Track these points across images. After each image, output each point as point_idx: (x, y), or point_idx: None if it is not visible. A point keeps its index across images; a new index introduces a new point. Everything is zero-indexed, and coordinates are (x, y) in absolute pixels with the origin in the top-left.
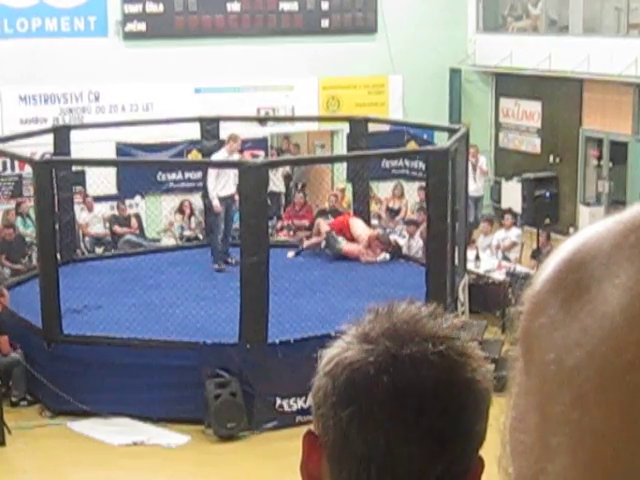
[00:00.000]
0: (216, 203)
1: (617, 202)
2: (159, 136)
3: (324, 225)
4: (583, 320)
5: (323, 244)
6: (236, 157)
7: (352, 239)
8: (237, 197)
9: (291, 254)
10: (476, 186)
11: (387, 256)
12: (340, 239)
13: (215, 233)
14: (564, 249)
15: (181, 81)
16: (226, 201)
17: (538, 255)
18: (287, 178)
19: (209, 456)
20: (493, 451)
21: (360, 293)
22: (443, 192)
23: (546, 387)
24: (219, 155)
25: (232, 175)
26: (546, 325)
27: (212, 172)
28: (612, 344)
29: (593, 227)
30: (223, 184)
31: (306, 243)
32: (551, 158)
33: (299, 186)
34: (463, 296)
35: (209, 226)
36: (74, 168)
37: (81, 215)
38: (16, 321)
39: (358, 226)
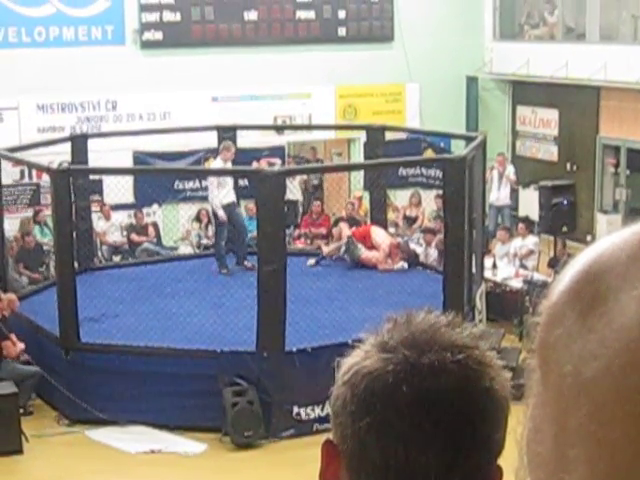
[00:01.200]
0: (221, 213)
1: (634, 210)
2: (176, 145)
3: (346, 229)
4: (600, 332)
5: (342, 249)
6: (229, 166)
7: (371, 248)
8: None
9: (312, 261)
10: (499, 194)
11: (405, 265)
12: (360, 246)
13: (218, 240)
14: (580, 260)
15: (198, 89)
16: (228, 208)
17: (555, 263)
18: (307, 187)
19: (226, 464)
20: (512, 460)
21: (377, 301)
22: (460, 200)
23: (563, 399)
24: (215, 165)
25: (231, 182)
26: (563, 337)
27: (213, 182)
28: (629, 356)
29: (609, 238)
30: (225, 193)
31: (326, 250)
32: (568, 166)
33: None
34: (480, 304)
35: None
36: (91, 177)
37: (98, 223)
38: (33, 329)
39: (379, 234)
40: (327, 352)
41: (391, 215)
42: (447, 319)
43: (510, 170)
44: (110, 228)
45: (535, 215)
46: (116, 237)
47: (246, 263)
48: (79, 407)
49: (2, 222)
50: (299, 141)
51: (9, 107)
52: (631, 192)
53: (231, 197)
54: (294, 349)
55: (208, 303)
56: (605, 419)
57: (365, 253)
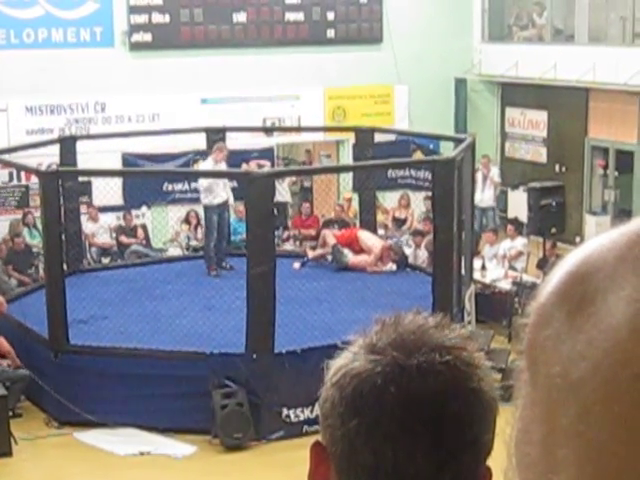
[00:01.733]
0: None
1: (623, 211)
2: (165, 147)
3: (330, 237)
4: (588, 332)
5: (330, 258)
6: (223, 167)
7: (360, 251)
8: (231, 202)
9: (297, 265)
10: (482, 196)
11: (394, 266)
12: (346, 252)
13: (207, 240)
14: (569, 261)
15: (187, 91)
16: (219, 208)
17: (544, 264)
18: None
19: (216, 466)
20: (501, 461)
21: (367, 303)
22: (449, 202)
23: (552, 399)
24: (206, 164)
25: (221, 183)
26: (551, 337)
27: (203, 183)
28: (617, 356)
29: (598, 239)
30: (215, 193)
31: (311, 254)
32: (557, 167)
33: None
34: (469, 305)
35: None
36: (80, 178)
37: (87, 225)
38: (22, 331)
39: (368, 238)
40: (316, 354)
41: (380, 217)
42: (435, 320)
43: (494, 172)
44: (99, 230)
45: (524, 216)
46: (105, 239)
47: (224, 264)
48: (68, 409)
49: None
50: (288, 143)
51: None
52: (620, 193)
53: (222, 198)
54: (283, 351)
55: (197, 305)
56: (594, 420)
57: (352, 259)
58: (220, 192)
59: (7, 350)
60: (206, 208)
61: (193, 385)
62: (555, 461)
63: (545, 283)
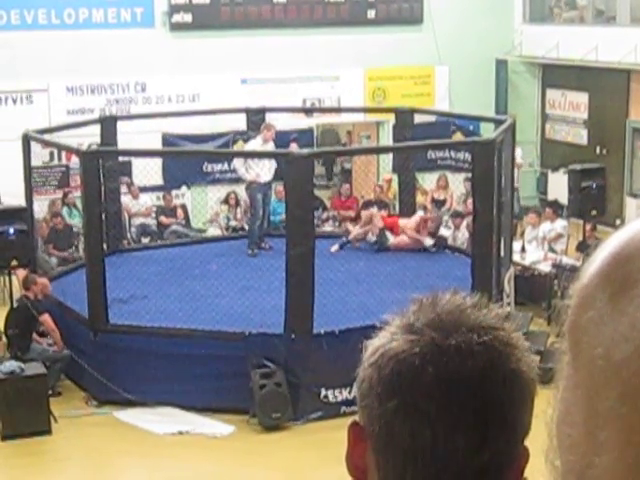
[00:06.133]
0: (249, 175)
1: None
2: (205, 127)
3: (379, 219)
4: (631, 314)
5: (373, 239)
6: (270, 146)
7: (399, 234)
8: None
9: (335, 247)
10: None
11: (430, 241)
12: (388, 234)
13: (253, 220)
14: (612, 243)
15: (227, 72)
16: (263, 188)
17: (584, 247)
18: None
19: (254, 446)
20: (539, 442)
21: (405, 284)
22: (489, 183)
23: (594, 381)
24: (254, 143)
25: (266, 162)
26: (594, 319)
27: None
28: None
29: None
30: (257, 172)
31: (353, 232)
32: (598, 149)
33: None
34: (509, 287)
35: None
36: (120, 159)
37: (129, 200)
38: (62, 310)
39: (406, 221)
40: (355, 335)
41: (420, 198)
42: (473, 300)
43: (517, 153)
44: (139, 209)
45: (564, 199)
46: (145, 218)
47: (263, 245)
48: (107, 388)
49: (32, 203)
50: (328, 124)
51: (39, 89)
52: None
53: (266, 177)
54: (322, 331)
55: (236, 285)
56: (635, 401)
57: (392, 240)
58: (265, 171)
59: (52, 328)
60: (251, 185)
61: (232, 365)
62: (597, 443)
63: (588, 265)
